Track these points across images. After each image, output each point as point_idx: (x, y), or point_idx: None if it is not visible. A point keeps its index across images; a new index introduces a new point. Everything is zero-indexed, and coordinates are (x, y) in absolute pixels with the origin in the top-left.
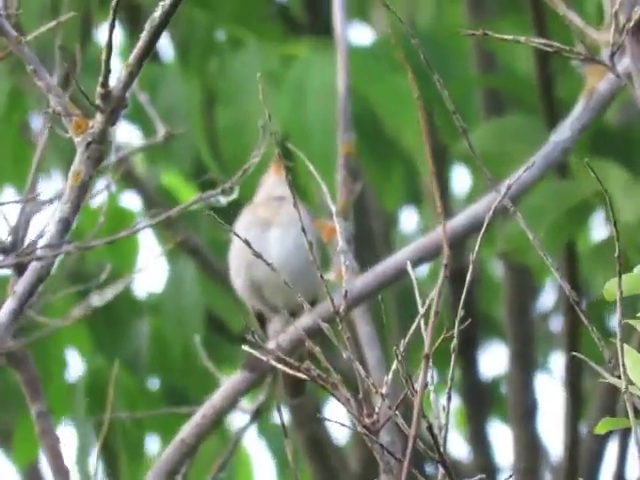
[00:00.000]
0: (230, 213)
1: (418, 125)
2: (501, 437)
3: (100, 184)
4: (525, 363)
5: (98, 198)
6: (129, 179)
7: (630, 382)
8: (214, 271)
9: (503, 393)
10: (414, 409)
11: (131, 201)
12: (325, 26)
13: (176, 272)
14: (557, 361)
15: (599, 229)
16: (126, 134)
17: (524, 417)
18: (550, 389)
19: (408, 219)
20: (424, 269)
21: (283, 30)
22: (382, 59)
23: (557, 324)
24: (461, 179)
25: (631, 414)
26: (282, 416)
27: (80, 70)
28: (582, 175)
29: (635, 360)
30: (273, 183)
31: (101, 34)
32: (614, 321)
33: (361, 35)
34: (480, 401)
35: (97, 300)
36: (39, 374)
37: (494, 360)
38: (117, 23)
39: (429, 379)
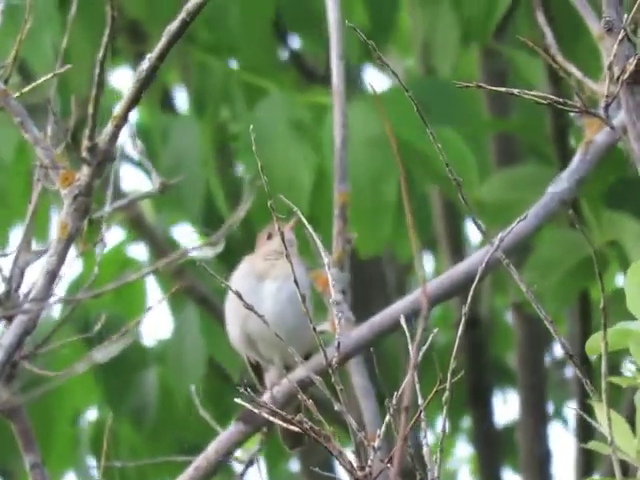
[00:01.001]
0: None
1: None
2: None
3: (109, 233)
4: (537, 413)
5: (99, 248)
6: (138, 228)
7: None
8: (222, 319)
9: (516, 441)
10: (407, 461)
11: (140, 251)
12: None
13: (181, 321)
14: (570, 409)
15: (617, 277)
16: (136, 181)
17: (537, 467)
18: (563, 438)
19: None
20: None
21: (296, 78)
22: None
23: (570, 372)
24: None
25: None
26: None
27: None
28: (595, 226)
29: (620, 425)
30: (288, 241)
31: (112, 80)
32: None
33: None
34: (493, 448)
35: (99, 355)
36: (42, 424)
37: (507, 407)
38: (125, 70)
39: (423, 431)
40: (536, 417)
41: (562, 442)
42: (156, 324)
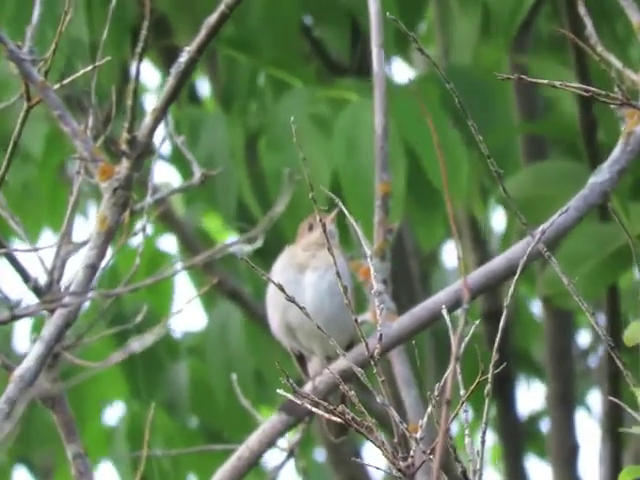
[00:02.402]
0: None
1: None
2: (537, 474)
3: (137, 226)
4: (566, 404)
5: (135, 240)
6: (168, 222)
7: None
8: (252, 312)
9: (540, 430)
10: (447, 453)
11: (169, 244)
12: (360, 65)
13: (220, 316)
14: (596, 398)
15: None
16: (165, 176)
17: (565, 460)
18: (590, 429)
19: (448, 253)
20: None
21: (320, 70)
22: (418, 99)
23: (595, 360)
24: (501, 218)
25: None
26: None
27: (116, 113)
28: (623, 218)
29: None
30: (330, 233)
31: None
32: None
33: (401, 72)
34: (517, 438)
35: (136, 346)
36: (76, 416)
37: (531, 397)
38: (153, 65)
39: (464, 423)
40: (565, 409)
41: (590, 433)
42: (185, 316)
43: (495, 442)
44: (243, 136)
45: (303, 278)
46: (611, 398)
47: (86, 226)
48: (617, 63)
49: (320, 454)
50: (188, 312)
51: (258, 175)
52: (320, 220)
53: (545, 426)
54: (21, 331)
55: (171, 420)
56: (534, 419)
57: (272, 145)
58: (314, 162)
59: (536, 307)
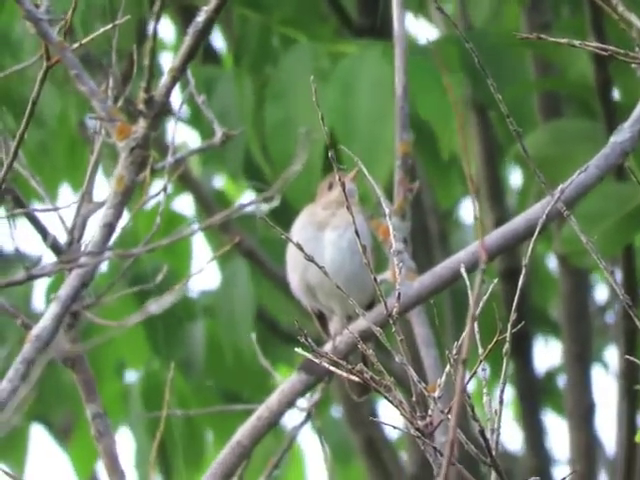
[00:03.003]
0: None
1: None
2: (555, 429)
3: (157, 187)
4: (582, 364)
5: (153, 201)
6: (184, 182)
7: None
8: (268, 271)
9: (557, 386)
10: (464, 412)
11: (184, 205)
12: (379, 26)
13: (229, 273)
14: (613, 355)
15: None
16: (181, 136)
17: (582, 418)
18: (606, 385)
19: (466, 210)
20: None
21: (336, 31)
22: (434, 60)
23: (612, 317)
24: (517, 176)
25: None
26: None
27: (136, 73)
28: None
29: None
30: (349, 191)
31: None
32: None
33: (420, 31)
34: (534, 395)
35: (154, 308)
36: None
37: (548, 353)
38: (170, 24)
39: (483, 381)
40: (581, 367)
41: (606, 390)
42: (201, 276)
43: (514, 399)
44: (253, 93)
45: (323, 237)
46: (627, 357)
47: (105, 186)
48: (638, 23)
49: (338, 412)
50: (204, 272)
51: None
52: (340, 179)
53: (562, 383)
54: (40, 291)
55: (186, 381)
56: (551, 376)
57: (275, 99)
58: (313, 116)
59: (553, 264)
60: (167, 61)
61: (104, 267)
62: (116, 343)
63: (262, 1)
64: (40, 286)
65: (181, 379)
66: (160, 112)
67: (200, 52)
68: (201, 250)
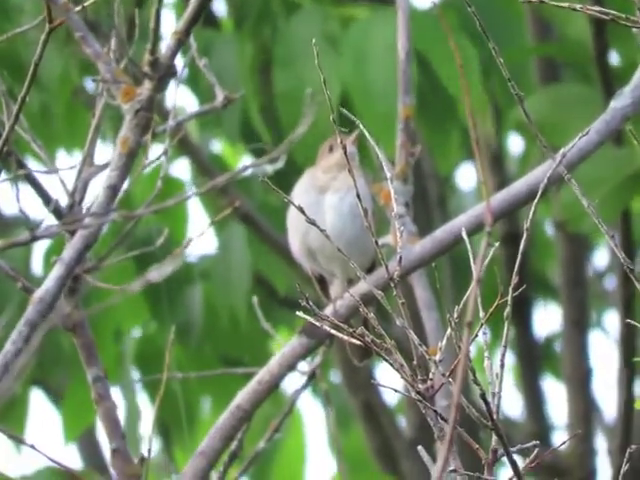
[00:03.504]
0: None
1: (474, 88)
2: (554, 393)
3: (155, 150)
4: (580, 328)
5: (153, 164)
6: (183, 146)
7: None
8: (266, 236)
9: (556, 351)
10: (465, 376)
11: (181, 169)
12: None
13: (226, 237)
14: (611, 320)
15: None
16: (179, 99)
17: (580, 383)
18: (605, 350)
19: (465, 176)
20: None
21: None
22: (441, 23)
23: (611, 282)
24: (517, 142)
25: None
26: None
27: (138, 36)
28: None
29: None
30: (350, 154)
31: None
32: None
33: None
34: (534, 359)
35: (156, 275)
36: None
37: (548, 318)
38: None
39: (484, 345)
40: (579, 333)
41: (606, 356)
42: (199, 239)
43: (514, 363)
44: (253, 56)
45: (324, 200)
46: (628, 320)
47: (104, 149)
48: None
49: (337, 377)
50: (200, 235)
51: (271, 97)
52: (341, 142)
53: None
54: (39, 254)
55: (183, 347)
56: (551, 340)
57: (282, 63)
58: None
59: (552, 229)
60: (166, 21)
61: (104, 231)
62: (117, 307)
63: None
64: (38, 250)
65: (178, 344)
66: (165, 75)
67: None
68: (196, 214)
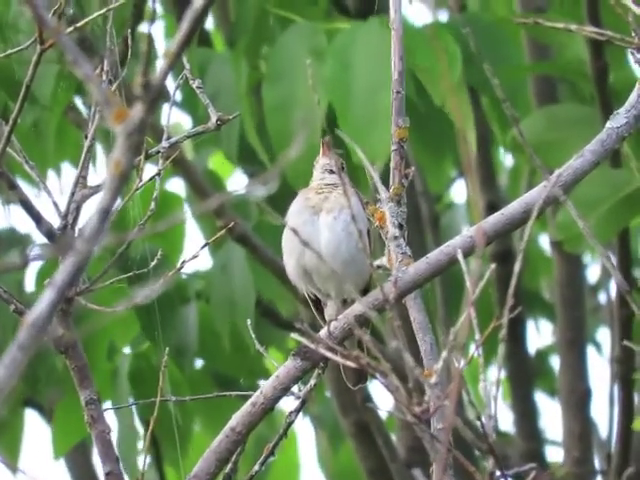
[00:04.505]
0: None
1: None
2: (547, 409)
3: (150, 170)
4: (577, 348)
5: (147, 184)
6: (179, 165)
7: None
8: (263, 256)
9: (549, 366)
10: (461, 398)
11: (179, 185)
12: (375, 10)
13: (224, 257)
14: (605, 336)
15: None
16: (176, 117)
17: (576, 403)
18: (599, 367)
19: (456, 194)
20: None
21: (326, 13)
22: (433, 41)
23: (604, 297)
24: (509, 159)
25: None
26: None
27: (132, 56)
28: (635, 166)
29: None
30: (323, 167)
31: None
32: None
33: (414, 12)
34: (526, 374)
35: (143, 296)
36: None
37: (540, 334)
38: (164, 7)
39: (479, 367)
40: (576, 352)
41: (599, 373)
42: (192, 261)
43: (504, 378)
44: (248, 74)
45: (318, 220)
46: (625, 343)
47: (96, 170)
48: (635, 8)
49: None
50: (196, 255)
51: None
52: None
53: (554, 363)
54: (33, 272)
55: (177, 365)
56: (542, 355)
57: (272, 79)
58: (312, 93)
59: (545, 245)
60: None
61: (98, 252)
62: (107, 326)
63: None
64: (31, 268)
65: (173, 362)
66: (157, 97)
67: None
68: (193, 232)
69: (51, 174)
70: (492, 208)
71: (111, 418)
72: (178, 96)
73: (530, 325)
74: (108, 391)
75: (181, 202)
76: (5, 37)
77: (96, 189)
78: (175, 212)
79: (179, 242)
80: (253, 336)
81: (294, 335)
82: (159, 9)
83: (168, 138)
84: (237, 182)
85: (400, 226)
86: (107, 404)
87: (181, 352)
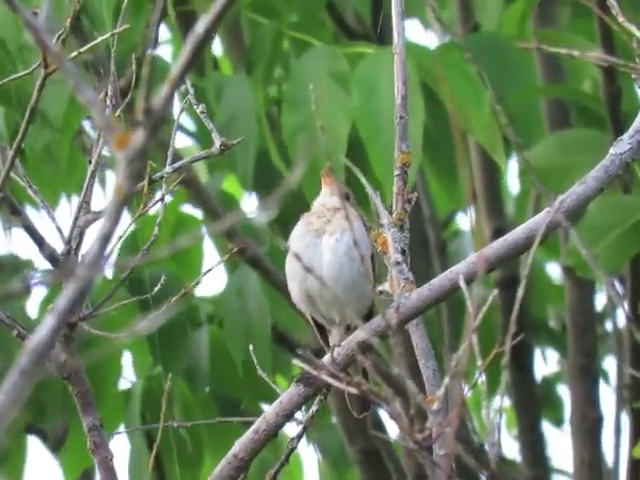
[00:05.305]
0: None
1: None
2: (554, 437)
3: (156, 196)
4: (587, 376)
5: (155, 208)
6: (191, 189)
7: None
8: (274, 280)
9: (555, 395)
10: (464, 422)
11: (194, 207)
12: (378, 34)
13: (238, 281)
14: (612, 364)
15: None
16: (188, 141)
17: (587, 432)
18: (606, 395)
19: (464, 220)
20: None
21: (337, 36)
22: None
23: (611, 325)
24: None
25: None
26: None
27: (136, 81)
28: None
29: None
30: (325, 193)
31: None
32: None
33: (418, 34)
34: (533, 402)
35: (146, 324)
36: (94, 383)
37: (546, 362)
38: (170, 30)
39: (482, 394)
40: (586, 379)
41: (606, 400)
42: (206, 281)
43: (509, 406)
44: (265, 98)
45: (321, 243)
46: (633, 372)
47: (104, 195)
48: (639, 33)
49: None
50: (213, 278)
51: (279, 142)
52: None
53: (561, 391)
54: (35, 297)
55: (188, 388)
56: (549, 383)
57: (291, 103)
58: (333, 118)
59: (553, 272)
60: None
61: (108, 274)
62: (119, 349)
63: (270, 7)
64: (35, 294)
65: (184, 385)
66: (159, 123)
67: (210, 61)
68: (211, 255)
69: (63, 197)
70: (499, 234)
71: (123, 442)
72: (188, 121)
73: (539, 355)
74: (120, 415)
75: (198, 223)
76: (15, 60)
77: (99, 214)
78: (191, 233)
79: (197, 264)
80: (256, 361)
81: (296, 361)
82: (168, 34)
83: (172, 163)
84: (250, 203)
85: (403, 251)
86: (121, 428)
87: (192, 376)
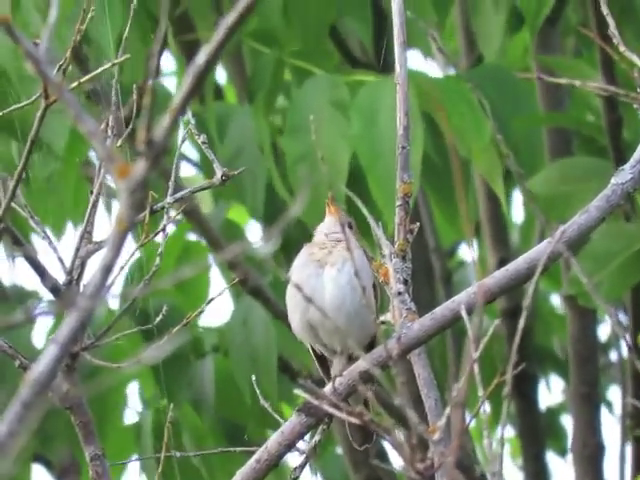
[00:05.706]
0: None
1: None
2: (558, 468)
3: (158, 226)
4: (590, 405)
5: (160, 238)
6: (193, 219)
7: None
8: (275, 311)
9: (560, 425)
10: (467, 454)
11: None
12: (381, 63)
13: (244, 311)
14: (616, 394)
15: None
16: (192, 171)
17: (589, 460)
18: (610, 425)
19: (469, 252)
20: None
21: (341, 65)
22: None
23: (616, 355)
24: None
25: None
26: None
27: (139, 110)
28: None
29: None
30: (329, 222)
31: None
32: None
33: (420, 63)
34: (537, 433)
35: (151, 356)
36: (98, 413)
37: (551, 392)
38: (174, 58)
39: (484, 424)
40: (589, 407)
41: (610, 430)
42: (212, 310)
43: (514, 436)
44: (270, 128)
45: (323, 273)
46: (633, 401)
47: (109, 225)
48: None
49: (341, 449)
50: (219, 306)
51: (282, 170)
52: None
53: (565, 421)
54: (40, 326)
55: (198, 417)
56: (553, 413)
57: (293, 131)
58: (334, 147)
59: (557, 302)
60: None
61: (113, 305)
62: (124, 379)
63: (271, 36)
64: (40, 325)
65: (195, 416)
66: (160, 153)
67: (211, 90)
68: (218, 283)
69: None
70: (503, 264)
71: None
72: (192, 151)
73: (544, 385)
74: (131, 446)
75: (205, 251)
76: (17, 89)
77: (101, 245)
78: (195, 263)
79: (203, 293)
80: (258, 391)
81: (297, 391)
82: (172, 64)
83: (174, 193)
84: (255, 231)
85: (405, 282)
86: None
87: (198, 406)
